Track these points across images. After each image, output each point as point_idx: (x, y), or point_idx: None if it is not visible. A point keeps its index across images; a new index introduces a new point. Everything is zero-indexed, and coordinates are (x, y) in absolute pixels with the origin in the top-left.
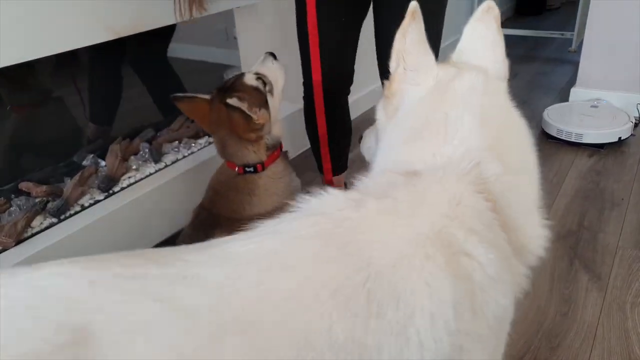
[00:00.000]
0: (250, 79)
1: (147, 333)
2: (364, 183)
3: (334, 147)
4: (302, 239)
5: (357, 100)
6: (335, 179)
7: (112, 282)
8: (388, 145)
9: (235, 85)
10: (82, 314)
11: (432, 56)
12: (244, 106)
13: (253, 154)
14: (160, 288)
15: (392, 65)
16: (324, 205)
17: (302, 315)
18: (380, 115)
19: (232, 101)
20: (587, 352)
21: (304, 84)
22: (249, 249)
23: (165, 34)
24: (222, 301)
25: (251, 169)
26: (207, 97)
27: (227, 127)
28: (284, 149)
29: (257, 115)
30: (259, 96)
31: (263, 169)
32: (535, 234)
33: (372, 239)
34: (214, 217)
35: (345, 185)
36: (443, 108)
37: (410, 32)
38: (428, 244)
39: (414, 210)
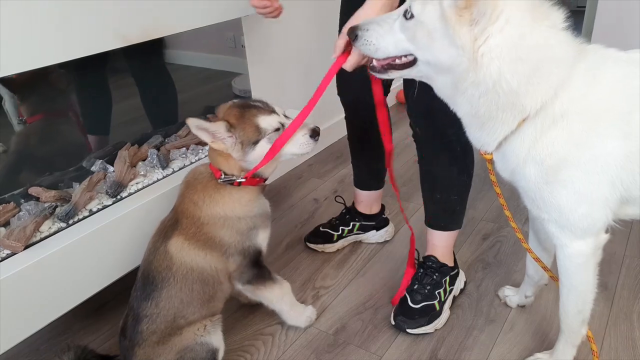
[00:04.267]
0: (268, 119)
1: None
2: None
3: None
4: None
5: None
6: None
7: None
8: None
9: (252, 106)
10: None
11: None
12: (214, 127)
13: (225, 165)
14: None
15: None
16: None
17: None
18: None
19: (216, 118)
20: None
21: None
22: None
23: (159, 40)
24: None
25: (228, 179)
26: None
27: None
28: (265, 183)
29: (216, 141)
30: (252, 132)
31: (239, 184)
32: None
33: None
34: (178, 215)
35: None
36: None
37: None
38: None
39: None
